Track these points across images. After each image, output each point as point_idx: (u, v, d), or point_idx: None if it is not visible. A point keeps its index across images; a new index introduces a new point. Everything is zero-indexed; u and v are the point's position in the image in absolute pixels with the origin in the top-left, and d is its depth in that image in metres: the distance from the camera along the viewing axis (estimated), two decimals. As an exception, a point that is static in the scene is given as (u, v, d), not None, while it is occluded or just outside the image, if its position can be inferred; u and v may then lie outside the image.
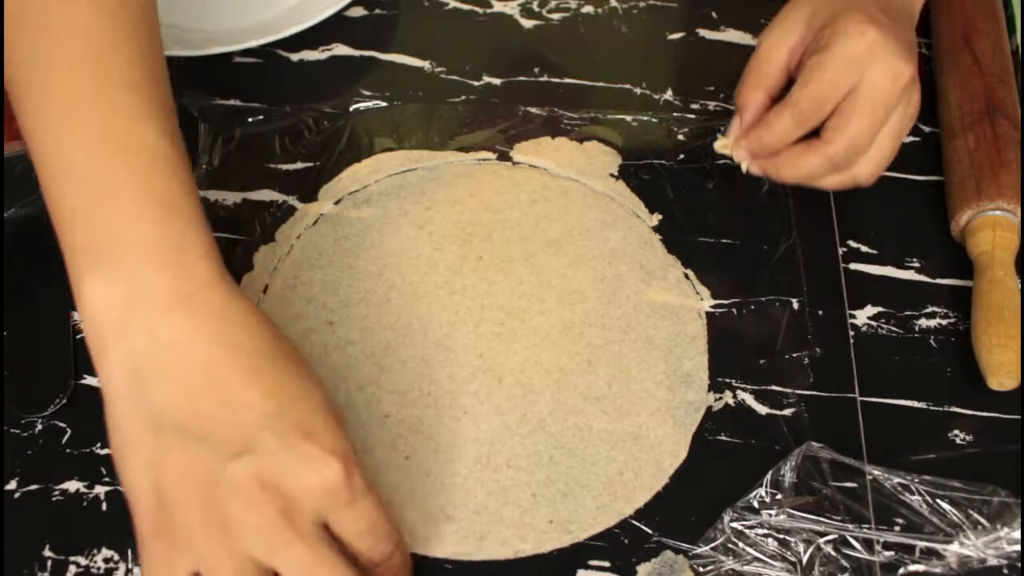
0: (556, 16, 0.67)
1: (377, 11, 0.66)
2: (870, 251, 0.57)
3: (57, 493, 0.47)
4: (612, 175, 0.59)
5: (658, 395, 0.51)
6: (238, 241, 0.55)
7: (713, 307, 0.54)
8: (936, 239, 0.57)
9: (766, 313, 0.54)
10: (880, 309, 0.55)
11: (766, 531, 0.46)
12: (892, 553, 0.46)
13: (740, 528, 0.46)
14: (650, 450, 0.49)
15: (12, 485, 0.47)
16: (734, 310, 0.54)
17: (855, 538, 0.46)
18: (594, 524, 0.47)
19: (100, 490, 0.47)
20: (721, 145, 0.55)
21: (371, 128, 0.60)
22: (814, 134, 0.51)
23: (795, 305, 0.54)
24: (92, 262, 0.39)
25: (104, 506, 0.47)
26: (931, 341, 0.53)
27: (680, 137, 0.61)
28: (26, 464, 0.47)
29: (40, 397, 0.49)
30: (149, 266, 0.39)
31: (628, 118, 0.61)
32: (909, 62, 0.49)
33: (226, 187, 0.57)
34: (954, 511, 0.46)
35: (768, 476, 0.47)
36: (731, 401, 0.51)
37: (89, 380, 0.49)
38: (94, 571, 0.45)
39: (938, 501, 0.46)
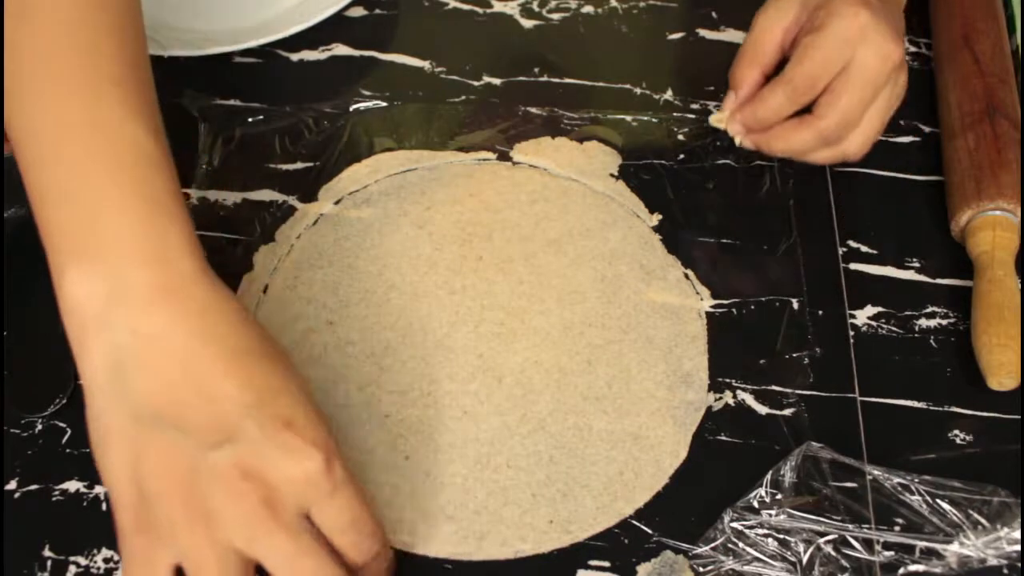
0: (556, 16, 0.67)
1: (377, 11, 0.66)
2: (870, 251, 0.57)
3: (57, 493, 0.47)
4: (612, 175, 0.59)
5: (658, 395, 0.51)
6: (238, 241, 0.55)
7: (713, 307, 0.54)
8: (936, 239, 0.57)
9: (766, 313, 0.54)
10: (880, 309, 0.55)
11: (766, 531, 0.46)
12: (892, 553, 0.46)
13: (740, 528, 0.46)
14: (650, 450, 0.49)
15: (12, 485, 0.47)
16: (734, 310, 0.54)
17: (855, 538, 0.46)
18: (594, 524, 0.47)
19: (100, 490, 0.47)
20: (716, 119, 0.57)
21: (371, 128, 0.60)
22: (806, 110, 0.53)
23: (795, 305, 0.54)
24: (74, 256, 0.39)
25: (104, 506, 0.46)
26: (931, 341, 0.53)
27: (680, 137, 0.61)
28: (26, 464, 0.47)
29: (40, 397, 0.49)
30: (131, 261, 0.39)
31: (628, 118, 0.61)
32: (898, 44, 0.52)
33: (226, 187, 0.57)
34: (954, 511, 0.46)
35: (768, 476, 0.47)
36: (731, 401, 0.51)
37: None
38: (94, 571, 0.45)
39: (938, 501, 0.46)
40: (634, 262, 0.55)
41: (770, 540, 0.45)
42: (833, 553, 0.45)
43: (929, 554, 0.45)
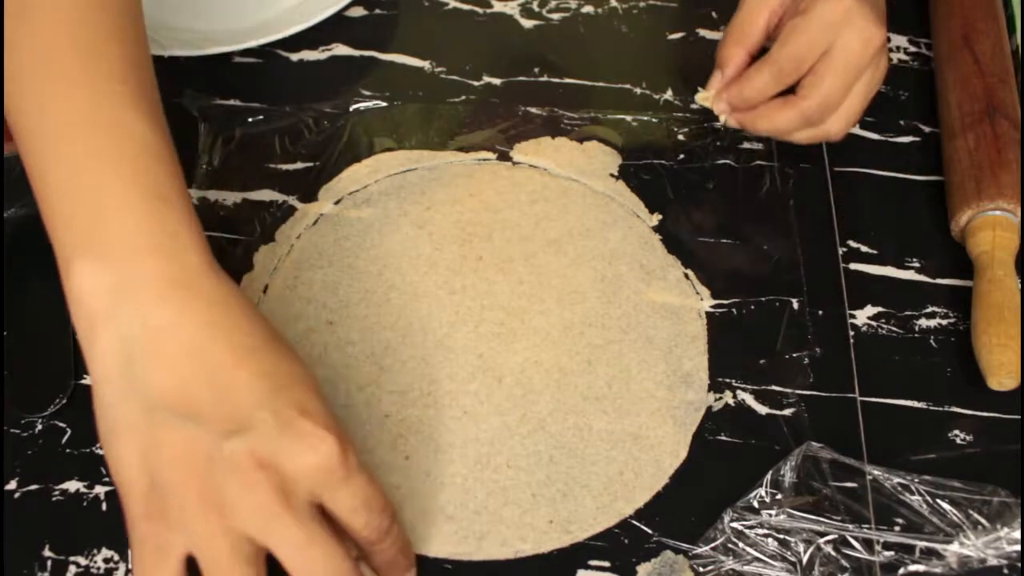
0: (556, 16, 0.67)
1: (377, 11, 0.66)
2: (870, 251, 0.57)
3: (57, 493, 0.47)
4: (612, 175, 0.59)
5: (658, 395, 0.51)
6: (238, 241, 0.55)
7: (713, 307, 0.54)
8: (936, 239, 0.57)
9: (766, 313, 0.54)
10: (880, 309, 0.55)
11: (766, 531, 0.46)
12: (892, 553, 0.46)
13: (740, 528, 0.46)
14: (650, 450, 0.49)
15: (12, 485, 0.47)
16: (734, 310, 0.54)
17: (855, 538, 0.46)
18: (594, 524, 0.47)
19: (100, 490, 0.47)
20: (702, 98, 0.58)
21: (371, 128, 0.60)
22: (790, 91, 0.55)
23: (795, 305, 0.54)
24: (81, 249, 0.39)
25: (104, 506, 0.46)
26: (931, 341, 0.53)
27: (680, 137, 0.61)
28: (26, 464, 0.47)
29: (40, 397, 0.49)
30: (139, 254, 0.39)
31: (628, 118, 0.61)
32: (880, 28, 0.53)
33: (226, 187, 0.57)
34: (954, 511, 0.46)
35: (768, 476, 0.47)
36: (731, 401, 0.51)
37: (89, 380, 0.49)
38: (94, 571, 0.45)
39: (938, 501, 0.46)
40: (634, 262, 0.55)
41: (770, 540, 0.45)
42: (833, 553, 0.45)
43: (929, 554, 0.45)
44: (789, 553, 0.45)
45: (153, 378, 0.38)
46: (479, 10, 0.67)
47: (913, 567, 0.45)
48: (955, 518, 0.46)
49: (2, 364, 0.50)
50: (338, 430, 0.40)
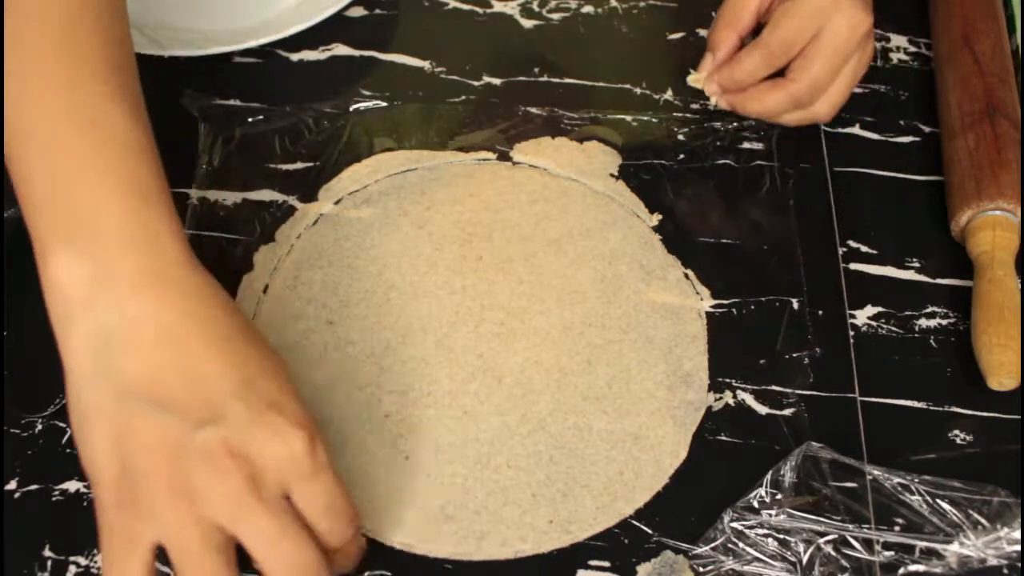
0: (556, 16, 0.67)
1: (377, 11, 0.66)
2: (870, 251, 0.57)
3: (57, 493, 0.47)
4: (612, 175, 0.59)
5: (658, 395, 0.51)
6: (238, 241, 0.55)
7: (713, 307, 0.54)
8: (936, 239, 0.57)
9: (766, 313, 0.54)
10: (880, 309, 0.55)
11: (766, 531, 0.46)
12: (892, 553, 0.46)
13: (740, 528, 0.46)
14: (650, 450, 0.49)
15: (12, 485, 0.47)
16: (734, 310, 0.54)
17: (855, 538, 0.46)
18: (594, 524, 0.47)
19: (100, 490, 0.47)
20: (693, 79, 0.60)
21: (371, 128, 0.60)
22: (779, 74, 0.57)
23: (795, 305, 0.54)
24: (59, 239, 0.40)
25: (104, 506, 0.47)
26: (931, 341, 0.53)
27: (680, 137, 0.61)
28: (26, 464, 0.47)
29: (40, 397, 0.49)
30: (118, 245, 0.39)
31: (628, 118, 0.61)
32: (868, 14, 0.55)
33: (226, 187, 0.57)
34: (954, 511, 0.46)
35: (768, 476, 0.47)
36: (731, 401, 0.51)
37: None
38: (94, 571, 0.45)
39: (938, 501, 0.46)
40: (634, 262, 0.55)
41: (770, 540, 0.45)
42: (833, 553, 0.45)
43: (929, 554, 0.45)
44: (789, 553, 0.45)
45: (127, 366, 0.39)
46: (479, 10, 0.67)
47: (913, 567, 0.45)
48: (955, 518, 0.46)
49: (2, 364, 0.50)
50: (309, 425, 0.40)
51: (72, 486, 0.47)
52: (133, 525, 0.39)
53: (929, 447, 0.50)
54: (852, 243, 0.57)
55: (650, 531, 0.47)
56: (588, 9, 0.67)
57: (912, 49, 0.66)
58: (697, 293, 0.54)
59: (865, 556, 0.45)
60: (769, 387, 0.51)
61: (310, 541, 0.40)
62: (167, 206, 0.41)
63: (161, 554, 0.39)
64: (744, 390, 0.51)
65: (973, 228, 0.55)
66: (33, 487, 0.47)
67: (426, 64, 0.63)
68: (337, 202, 0.57)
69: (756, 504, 0.46)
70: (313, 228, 0.56)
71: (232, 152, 0.58)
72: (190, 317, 0.40)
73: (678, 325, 0.53)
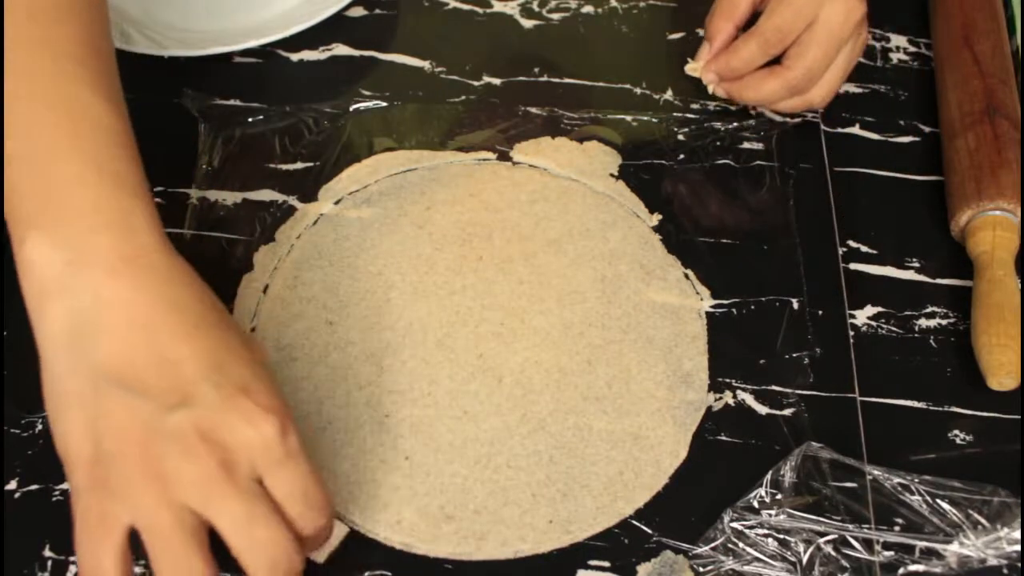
0: (556, 16, 0.67)
1: (377, 11, 0.66)
2: (870, 251, 0.57)
3: (57, 493, 0.47)
4: (612, 175, 0.59)
5: (658, 395, 0.51)
6: (238, 241, 0.55)
7: (713, 307, 0.54)
8: (936, 239, 0.57)
9: (766, 313, 0.54)
10: (880, 309, 0.55)
11: (766, 531, 0.46)
12: (892, 553, 0.46)
13: (740, 528, 0.46)
14: (650, 450, 0.49)
15: (12, 485, 0.47)
16: (734, 310, 0.54)
17: (855, 538, 0.46)
18: (594, 524, 0.47)
19: (100, 490, 0.47)
20: (691, 68, 0.61)
21: (371, 128, 0.60)
22: (775, 62, 0.58)
23: (795, 305, 0.54)
24: (35, 223, 0.40)
25: (104, 506, 0.46)
26: (931, 341, 0.53)
27: (680, 137, 0.61)
28: (26, 464, 0.47)
29: (40, 397, 0.49)
30: (94, 229, 0.40)
31: (628, 118, 0.61)
32: (861, 2, 0.56)
33: (226, 187, 0.57)
34: (954, 511, 0.46)
35: (768, 476, 0.47)
36: (731, 401, 0.51)
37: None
38: (94, 571, 0.45)
39: (938, 501, 0.46)
40: (634, 262, 0.55)
41: (770, 540, 0.45)
42: (833, 553, 0.45)
43: (929, 554, 0.45)
44: (789, 553, 0.45)
45: (100, 349, 0.39)
46: (479, 10, 0.67)
47: (913, 567, 0.45)
48: (955, 518, 0.46)
49: (2, 364, 0.50)
50: (280, 410, 0.40)
51: (72, 486, 0.47)
52: (106, 507, 0.39)
53: (929, 447, 0.50)
54: (852, 243, 0.57)
55: (650, 531, 0.47)
56: (588, 9, 0.67)
57: (912, 49, 0.66)
58: (697, 293, 0.54)
59: (865, 556, 0.45)
60: (769, 387, 0.51)
61: (281, 525, 0.40)
62: (143, 191, 0.42)
63: (135, 538, 0.40)
64: (744, 390, 0.51)
65: (973, 228, 0.55)
66: (33, 487, 0.47)
67: (426, 64, 0.63)
68: (337, 202, 0.57)
69: (756, 504, 0.46)
70: (313, 228, 0.56)
71: (232, 152, 0.58)
72: (163, 302, 0.40)
73: (678, 325, 0.53)
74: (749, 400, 0.51)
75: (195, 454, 0.38)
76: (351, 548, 0.46)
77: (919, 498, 0.47)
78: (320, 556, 0.44)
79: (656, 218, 0.57)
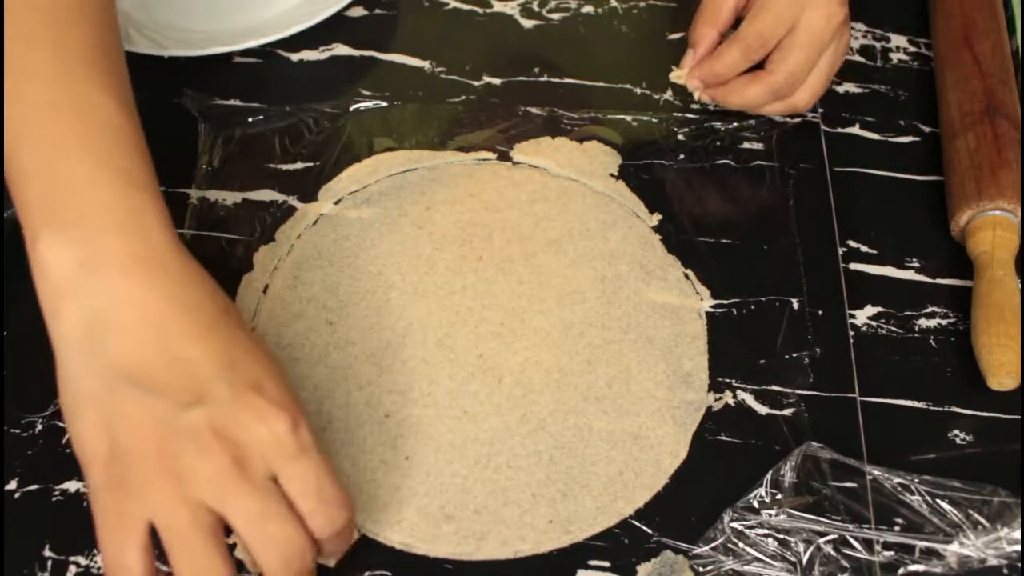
0: (556, 16, 0.67)
1: (377, 11, 0.66)
2: (870, 251, 0.57)
3: (57, 493, 0.47)
4: (612, 175, 0.59)
5: (658, 395, 0.51)
6: (238, 241, 0.55)
7: (713, 307, 0.54)
8: (936, 239, 0.57)
9: (766, 313, 0.54)
10: (880, 309, 0.55)
11: (766, 531, 0.46)
12: (892, 553, 0.46)
13: (740, 528, 0.46)
14: (650, 450, 0.49)
15: (12, 485, 0.47)
16: (734, 310, 0.54)
17: (855, 538, 0.46)
18: (594, 524, 0.47)
19: (100, 490, 0.47)
20: (675, 75, 0.61)
21: (371, 128, 0.60)
22: (759, 66, 0.58)
23: (795, 305, 0.54)
24: (49, 223, 0.40)
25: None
26: (931, 341, 0.53)
27: (680, 137, 0.61)
28: (26, 464, 0.47)
29: (40, 397, 0.49)
30: (107, 229, 0.40)
31: (628, 118, 0.61)
32: (842, 5, 0.56)
33: (226, 187, 0.57)
34: (954, 511, 0.46)
35: (768, 476, 0.47)
36: (731, 401, 0.51)
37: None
38: (94, 571, 0.45)
39: (938, 501, 0.46)
40: (634, 262, 0.55)
41: (770, 540, 0.45)
42: (833, 553, 0.45)
43: (929, 554, 0.45)
44: (789, 553, 0.45)
45: (115, 349, 0.39)
46: (479, 10, 0.67)
47: (913, 567, 0.45)
48: (955, 518, 0.46)
49: (2, 364, 0.50)
50: (292, 407, 0.40)
51: (72, 486, 0.47)
52: (124, 505, 0.39)
53: (929, 447, 0.50)
54: (852, 243, 0.57)
55: (650, 531, 0.47)
56: (588, 9, 0.67)
57: (912, 49, 0.66)
58: (697, 293, 0.54)
59: (865, 556, 0.45)
60: (769, 387, 0.51)
61: (295, 522, 0.40)
62: (154, 191, 0.42)
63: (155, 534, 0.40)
64: (744, 390, 0.51)
65: (973, 228, 0.55)
66: (33, 487, 0.47)
67: (426, 64, 0.63)
68: (337, 202, 0.57)
69: (756, 504, 0.46)
70: (313, 228, 0.56)
71: (232, 152, 0.58)
72: (176, 301, 0.40)
73: (678, 325, 0.53)
74: (749, 400, 0.51)
75: (209, 451, 0.39)
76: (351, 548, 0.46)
77: (919, 498, 0.47)
78: (330, 561, 0.44)
79: (656, 218, 0.57)
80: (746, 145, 0.60)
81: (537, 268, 0.54)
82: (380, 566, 0.46)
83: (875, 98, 0.63)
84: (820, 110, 0.62)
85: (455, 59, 0.64)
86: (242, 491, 0.39)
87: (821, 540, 0.45)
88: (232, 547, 0.43)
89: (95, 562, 0.45)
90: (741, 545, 0.45)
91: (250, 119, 0.60)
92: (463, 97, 0.62)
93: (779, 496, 0.47)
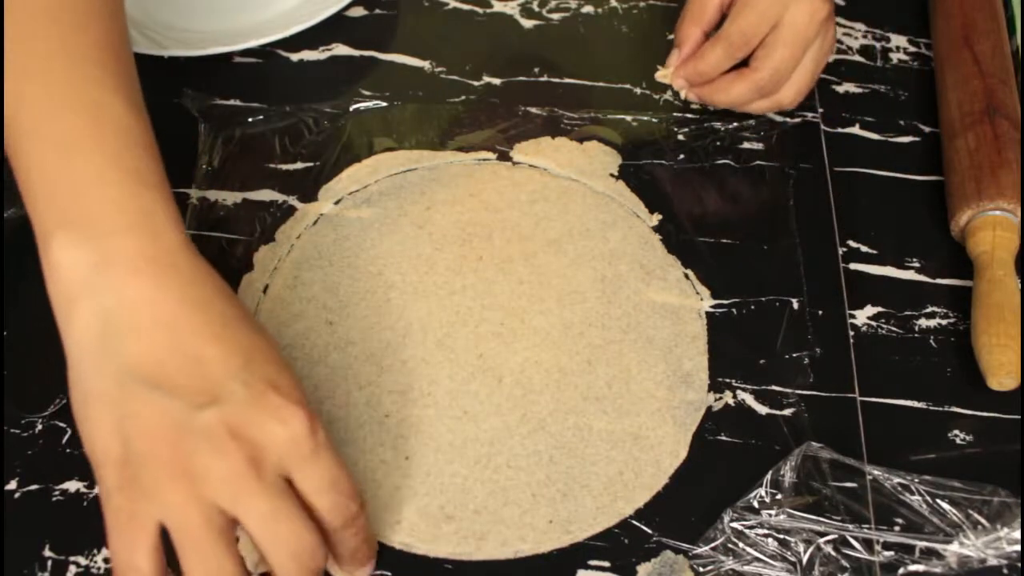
0: (556, 16, 0.67)
1: (377, 11, 0.66)
2: (870, 251, 0.57)
3: (57, 493, 0.47)
4: (612, 175, 0.59)
5: (658, 395, 0.51)
6: (238, 241, 0.55)
7: (713, 307, 0.54)
8: (936, 239, 0.57)
9: (766, 313, 0.54)
10: (880, 309, 0.55)
11: (766, 531, 0.46)
12: (892, 553, 0.46)
13: (740, 528, 0.46)
14: (650, 450, 0.49)
15: (12, 485, 0.47)
16: (734, 310, 0.54)
17: (855, 538, 0.46)
18: (594, 524, 0.47)
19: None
20: (661, 75, 0.61)
21: (371, 128, 0.60)
22: (744, 65, 0.58)
23: (795, 305, 0.54)
24: (60, 224, 0.40)
25: (104, 506, 0.47)
26: (931, 341, 0.53)
27: (680, 137, 0.61)
28: (26, 464, 0.47)
29: (40, 397, 0.49)
30: (118, 230, 0.40)
31: (628, 118, 0.61)
32: (825, 1, 0.56)
33: (226, 187, 0.57)
34: (954, 511, 0.46)
35: (768, 476, 0.47)
36: (731, 401, 0.51)
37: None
38: (94, 571, 0.45)
39: (938, 501, 0.46)
40: (634, 262, 0.55)
41: (770, 540, 0.45)
42: (833, 553, 0.45)
43: (929, 554, 0.45)
44: (789, 553, 0.45)
45: (128, 349, 0.39)
46: (479, 10, 0.67)
47: (913, 567, 0.45)
48: (955, 518, 0.46)
49: (2, 364, 0.50)
50: (307, 407, 0.40)
51: (72, 486, 0.47)
52: (137, 506, 0.39)
53: (929, 447, 0.50)
54: (852, 243, 0.57)
55: (650, 531, 0.47)
56: (588, 9, 0.67)
57: (912, 49, 0.66)
58: (697, 293, 0.54)
59: (865, 556, 0.45)
60: (769, 387, 0.51)
61: (308, 523, 0.40)
62: (164, 190, 0.42)
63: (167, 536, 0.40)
64: (744, 390, 0.51)
65: (973, 228, 0.55)
66: (33, 487, 0.47)
67: (426, 64, 0.63)
68: (337, 202, 0.57)
69: (756, 504, 0.46)
70: (313, 228, 0.56)
71: (232, 152, 0.58)
72: (189, 301, 0.40)
73: (678, 325, 0.53)
74: (749, 400, 0.51)
75: (225, 451, 0.39)
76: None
77: (919, 498, 0.47)
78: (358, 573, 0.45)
79: (656, 218, 0.57)
80: (746, 145, 0.60)
81: (537, 268, 0.54)
82: (380, 566, 0.46)
83: (875, 98, 0.64)
84: (820, 110, 0.62)
85: (455, 59, 0.64)
86: (256, 491, 0.39)
87: (821, 540, 0.46)
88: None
89: (95, 562, 0.45)
90: (741, 545, 0.45)
91: (250, 119, 0.60)
92: (463, 97, 0.62)
93: (779, 496, 0.47)
